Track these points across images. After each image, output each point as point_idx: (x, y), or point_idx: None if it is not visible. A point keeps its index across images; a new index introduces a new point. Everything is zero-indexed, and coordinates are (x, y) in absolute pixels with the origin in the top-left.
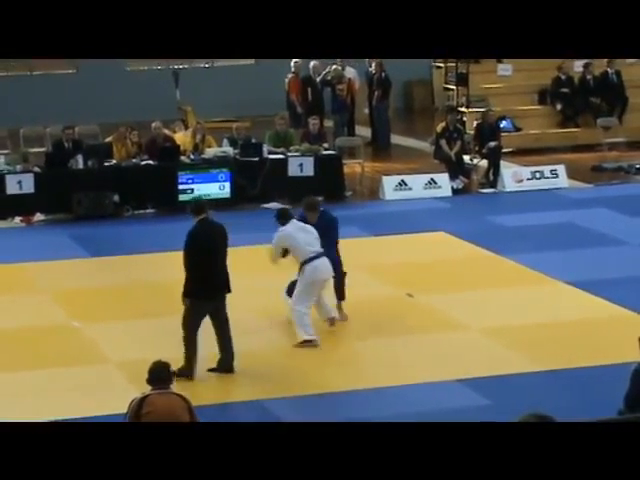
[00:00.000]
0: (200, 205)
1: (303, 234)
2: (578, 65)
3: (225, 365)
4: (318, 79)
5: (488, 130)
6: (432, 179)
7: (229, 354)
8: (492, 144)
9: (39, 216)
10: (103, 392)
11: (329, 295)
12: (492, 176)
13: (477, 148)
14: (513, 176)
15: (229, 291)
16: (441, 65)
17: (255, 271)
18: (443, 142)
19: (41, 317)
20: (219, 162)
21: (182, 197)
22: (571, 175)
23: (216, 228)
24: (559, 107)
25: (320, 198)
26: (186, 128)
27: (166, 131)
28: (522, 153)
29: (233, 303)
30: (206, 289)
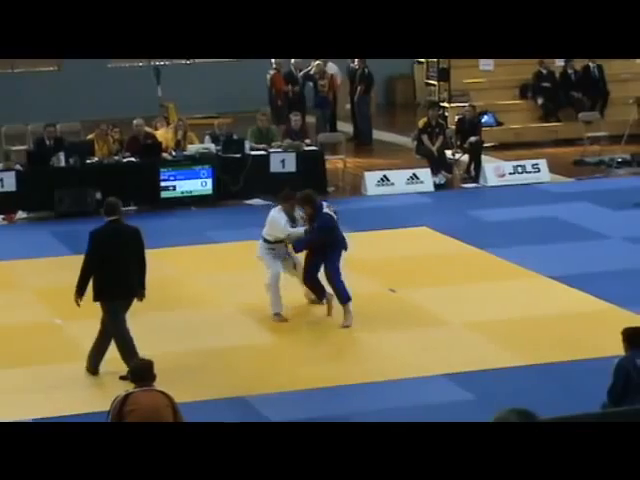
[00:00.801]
0: (111, 206)
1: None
2: (559, 60)
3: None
4: (300, 74)
5: (469, 125)
6: (414, 174)
7: (99, 355)
8: (473, 139)
9: (21, 214)
10: (85, 390)
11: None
12: (474, 171)
13: (459, 143)
14: (495, 171)
15: (136, 295)
16: (422, 60)
17: (237, 267)
18: (425, 137)
19: (23, 314)
20: (201, 159)
21: (164, 194)
22: (553, 169)
23: (124, 231)
24: (540, 101)
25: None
26: (168, 125)
27: (148, 128)
28: (504, 148)
29: (215, 299)
30: (114, 290)
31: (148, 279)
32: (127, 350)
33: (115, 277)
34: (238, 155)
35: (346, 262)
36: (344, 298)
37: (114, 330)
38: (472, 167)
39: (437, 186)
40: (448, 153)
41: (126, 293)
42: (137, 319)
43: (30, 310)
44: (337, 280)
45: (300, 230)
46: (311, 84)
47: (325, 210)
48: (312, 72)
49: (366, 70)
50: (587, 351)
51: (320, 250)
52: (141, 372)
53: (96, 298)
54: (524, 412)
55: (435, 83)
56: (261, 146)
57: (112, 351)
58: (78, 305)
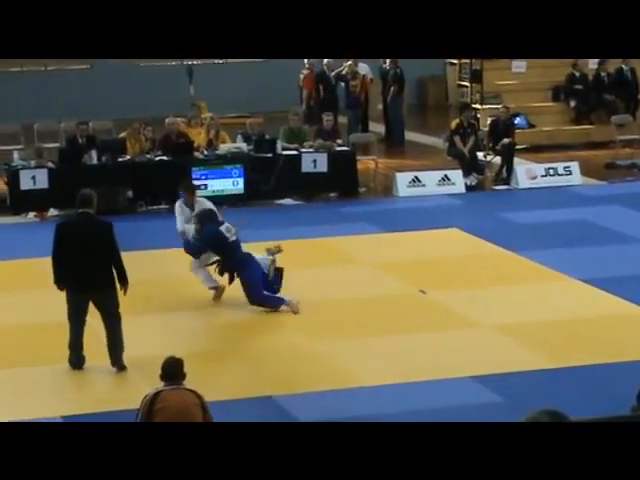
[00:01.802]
0: (82, 198)
1: None
2: (592, 62)
3: (113, 358)
4: (332, 74)
5: (502, 127)
6: (445, 176)
7: (114, 347)
8: (506, 141)
9: (53, 211)
10: (115, 388)
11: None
12: (505, 173)
13: (491, 145)
14: (527, 173)
15: (110, 286)
16: (455, 62)
17: None
18: (457, 139)
19: (54, 313)
20: (233, 158)
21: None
22: (585, 172)
23: (91, 223)
24: (573, 104)
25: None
26: (201, 124)
27: (181, 121)
28: (536, 150)
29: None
30: (73, 280)
31: (180, 278)
32: (71, 344)
33: (76, 269)
34: (270, 155)
35: (376, 263)
36: (277, 304)
37: (68, 320)
38: (504, 169)
39: (468, 188)
40: (480, 155)
41: (87, 286)
42: (167, 318)
43: (60, 308)
44: (257, 298)
45: (191, 228)
46: (343, 84)
47: (221, 228)
48: (344, 72)
49: (398, 71)
50: (617, 354)
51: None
52: (171, 370)
53: (56, 282)
54: (556, 413)
55: (467, 84)
56: (293, 146)
57: (137, 350)
58: (62, 290)
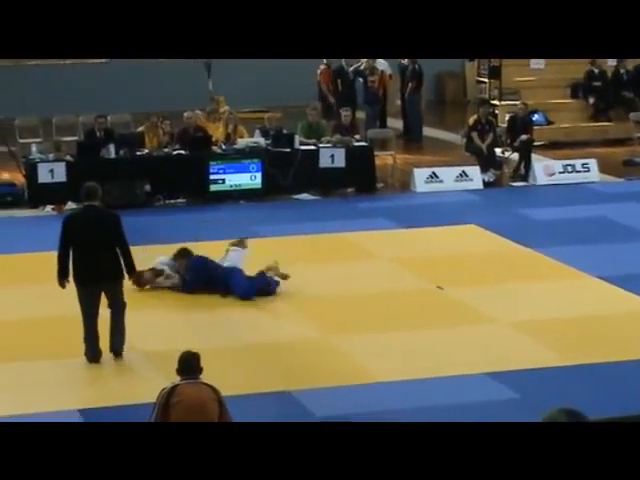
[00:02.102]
0: (87, 191)
1: None
2: (612, 59)
3: (113, 346)
4: (350, 69)
5: (520, 123)
6: (463, 172)
7: (117, 339)
8: (524, 137)
9: (71, 205)
10: (132, 382)
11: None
12: (523, 169)
13: (509, 141)
14: (544, 169)
15: (118, 278)
16: None
17: (284, 261)
18: (475, 135)
19: (72, 306)
20: (251, 152)
21: (213, 187)
22: (602, 169)
23: (98, 215)
24: (591, 101)
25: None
26: (219, 119)
27: (200, 114)
28: (554, 147)
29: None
30: (82, 274)
31: None
32: (86, 337)
33: (84, 261)
34: (288, 149)
35: (394, 258)
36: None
37: (82, 312)
38: (522, 166)
39: (486, 184)
40: (498, 151)
41: (97, 278)
42: (183, 313)
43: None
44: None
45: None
46: (361, 80)
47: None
48: (362, 68)
49: (417, 67)
50: (635, 352)
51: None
52: (187, 364)
53: (73, 280)
54: (574, 412)
55: (486, 81)
56: (311, 141)
57: (153, 344)
58: (63, 287)
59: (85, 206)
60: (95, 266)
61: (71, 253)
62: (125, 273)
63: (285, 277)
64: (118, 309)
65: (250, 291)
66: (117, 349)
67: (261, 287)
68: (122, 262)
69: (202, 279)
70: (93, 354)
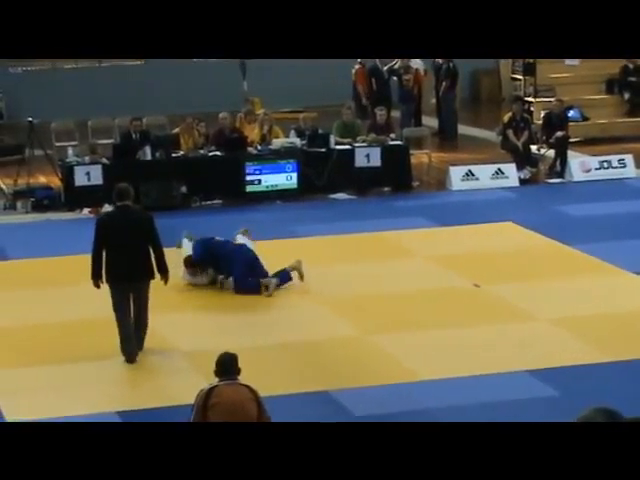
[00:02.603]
0: (119, 191)
1: None
2: None
3: (124, 351)
4: (385, 68)
5: (556, 120)
6: (499, 169)
7: (139, 334)
8: (559, 134)
9: (107, 207)
10: (169, 383)
11: None
12: (559, 166)
13: (544, 138)
14: (581, 166)
15: (149, 277)
16: None
17: (322, 261)
18: (510, 132)
19: (109, 308)
20: (286, 153)
21: (249, 188)
22: (639, 165)
23: (132, 216)
24: (627, 96)
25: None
26: (254, 120)
27: (239, 115)
28: (590, 143)
29: (301, 293)
30: (115, 273)
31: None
32: (123, 336)
33: (118, 261)
34: (323, 149)
35: (430, 257)
36: (256, 289)
37: (114, 313)
38: (558, 162)
39: (522, 181)
40: (533, 148)
41: (129, 277)
42: (221, 313)
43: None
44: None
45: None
46: (395, 79)
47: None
48: (396, 67)
49: (451, 65)
50: None
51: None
52: (225, 365)
53: (105, 280)
54: (610, 412)
55: (521, 78)
56: (346, 140)
57: (191, 345)
58: (97, 287)
59: (118, 206)
60: (128, 265)
61: (104, 253)
62: (157, 273)
63: (302, 277)
64: (142, 306)
65: (244, 284)
66: (139, 344)
67: (255, 288)
68: (154, 262)
69: (208, 250)
70: (130, 353)
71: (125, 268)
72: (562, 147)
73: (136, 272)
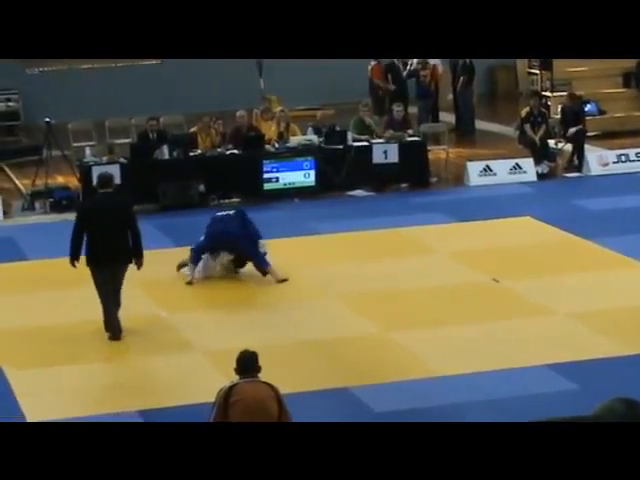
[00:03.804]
0: (101, 179)
1: None
2: None
3: (109, 328)
4: (404, 73)
5: (570, 114)
6: (517, 164)
7: (113, 319)
8: (574, 128)
9: None
10: (191, 381)
11: None
12: (577, 160)
13: (562, 132)
14: (598, 160)
15: (127, 261)
16: None
17: (341, 258)
18: (527, 127)
19: (129, 307)
20: (304, 150)
21: (267, 186)
22: None
23: (112, 202)
24: None
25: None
26: (272, 118)
27: (256, 113)
28: (607, 136)
29: (320, 290)
30: (96, 257)
31: (254, 271)
32: (107, 315)
33: (98, 245)
34: (340, 146)
35: (449, 252)
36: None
37: (98, 294)
38: (575, 156)
39: (540, 176)
40: (551, 142)
41: (109, 260)
42: (241, 312)
43: (135, 303)
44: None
45: None
46: (413, 78)
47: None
48: (414, 67)
49: (468, 61)
50: None
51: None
52: (246, 363)
53: (87, 263)
54: (631, 401)
55: (537, 72)
56: (363, 137)
57: (211, 343)
58: (74, 267)
59: (100, 193)
60: (108, 249)
61: (86, 237)
62: (133, 257)
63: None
64: (117, 288)
65: (264, 262)
66: (115, 330)
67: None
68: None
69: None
70: (114, 329)
71: (105, 252)
72: (578, 141)
73: (115, 256)
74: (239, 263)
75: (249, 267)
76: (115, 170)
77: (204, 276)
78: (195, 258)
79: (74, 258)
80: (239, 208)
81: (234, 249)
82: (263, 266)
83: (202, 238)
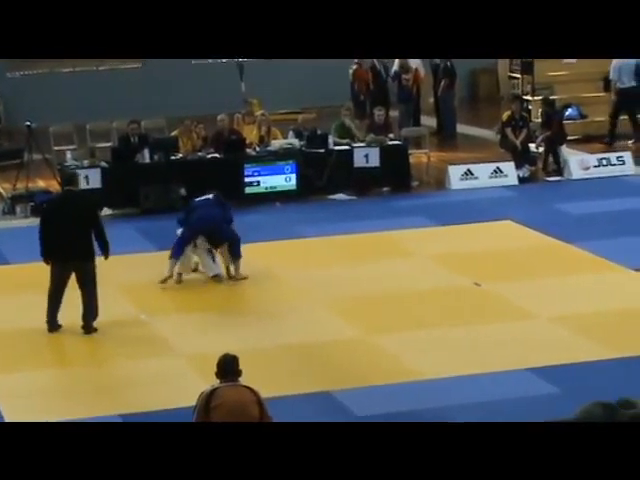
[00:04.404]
0: (66, 177)
1: None
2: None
3: (85, 323)
4: (388, 78)
5: (544, 119)
6: (498, 168)
7: (89, 314)
8: (542, 135)
9: (106, 211)
10: (171, 385)
11: None
12: (555, 164)
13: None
14: (579, 164)
15: (89, 257)
16: None
17: (323, 262)
18: (509, 131)
19: (109, 310)
20: (285, 154)
21: (248, 190)
22: (638, 162)
23: (73, 199)
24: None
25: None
26: (253, 121)
27: (236, 117)
28: (588, 140)
29: (302, 294)
30: (55, 252)
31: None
32: (49, 308)
33: (57, 241)
34: (322, 150)
35: (431, 256)
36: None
37: (49, 286)
38: (550, 161)
39: (521, 179)
40: (532, 146)
41: (68, 256)
42: (222, 314)
43: (116, 306)
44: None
45: None
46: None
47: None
48: (395, 69)
49: (449, 64)
50: None
51: None
52: (226, 367)
53: (48, 257)
54: (609, 405)
55: (519, 76)
56: (345, 141)
57: (192, 347)
58: (47, 264)
59: (64, 190)
60: (66, 245)
61: (48, 234)
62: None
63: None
64: (89, 287)
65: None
66: (89, 325)
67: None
68: (95, 242)
69: (199, 216)
70: (53, 324)
71: (62, 248)
72: (549, 146)
73: (75, 251)
74: (215, 244)
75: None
76: (96, 174)
77: (182, 270)
78: (177, 251)
79: (45, 257)
80: (216, 192)
81: (214, 233)
82: (237, 254)
83: (180, 230)
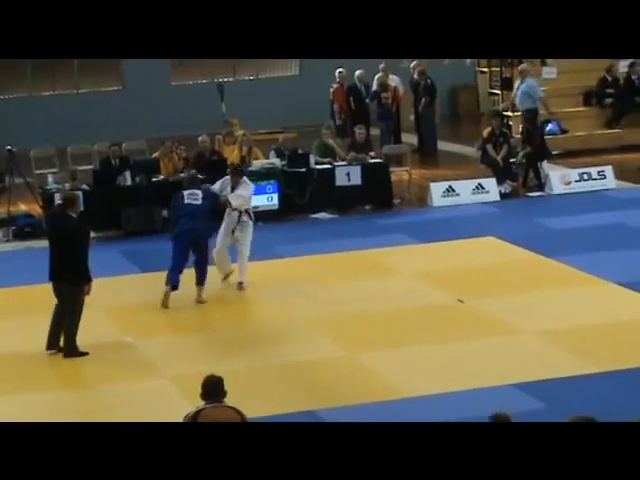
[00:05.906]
0: (64, 198)
1: None
2: (623, 65)
3: (55, 345)
4: (367, 99)
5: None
6: (480, 184)
7: (64, 338)
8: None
9: (91, 234)
10: (156, 407)
11: None
12: (535, 180)
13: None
14: (561, 178)
15: (67, 281)
16: (485, 70)
17: (305, 281)
18: (489, 147)
19: (94, 333)
20: (266, 174)
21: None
22: (619, 176)
23: (61, 222)
24: (608, 103)
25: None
26: (234, 142)
27: (218, 138)
28: (569, 155)
29: (285, 313)
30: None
31: (219, 295)
32: (50, 326)
33: (51, 259)
34: (303, 169)
35: (413, 273)
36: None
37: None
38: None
39: (503, 195)
40: (513, 162)
41: (53, 277)
42: (207, 336)
43: (101, 328)
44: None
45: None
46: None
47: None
48: (374, 89)
49: (429, 81)
50: None
51: None
52: (211, 388)
53: None
54: (589, 420)
55: (499, 92)
56: (326, 160)
57: (177, 369)
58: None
59: (57, 206)
60: (52, 265)
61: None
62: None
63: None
64: (66, 310)
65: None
66: (62, 346)
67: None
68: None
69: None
70: (49, 343)
71: (51, 268)
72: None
73: (57, 274)
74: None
75: (211, 291)
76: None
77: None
78: (174, 278)
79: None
80: (205, 187)
81: (196, 244)
82: (204, 268)
83: (172, 244)
